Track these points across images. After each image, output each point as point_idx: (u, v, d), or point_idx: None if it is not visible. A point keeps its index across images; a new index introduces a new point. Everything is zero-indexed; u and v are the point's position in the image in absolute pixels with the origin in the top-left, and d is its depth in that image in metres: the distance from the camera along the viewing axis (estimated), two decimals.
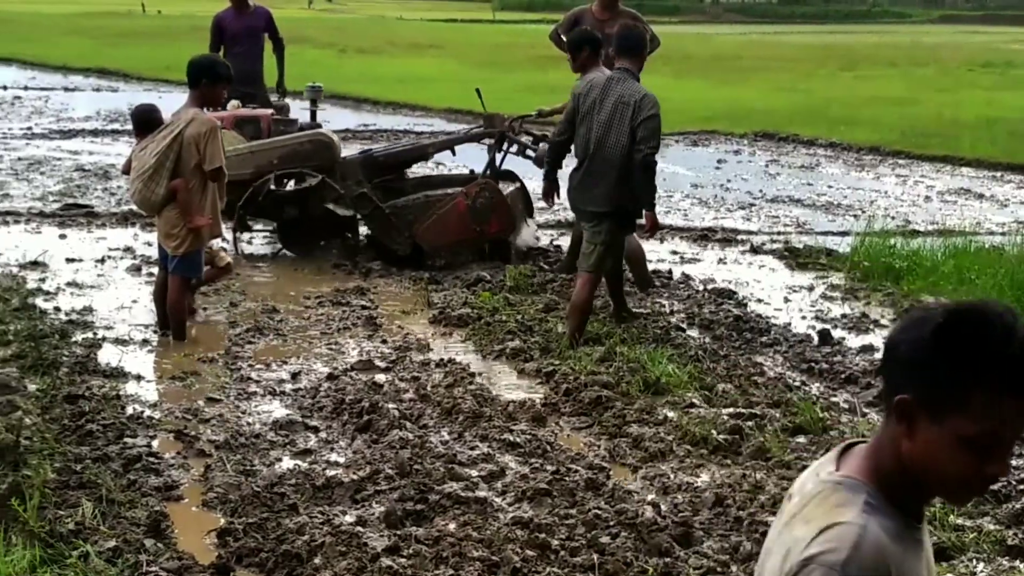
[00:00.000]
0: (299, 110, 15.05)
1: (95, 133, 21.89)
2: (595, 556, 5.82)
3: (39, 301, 10.42)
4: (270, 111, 13.51)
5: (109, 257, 12.23)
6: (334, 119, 20.23)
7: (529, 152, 12.64)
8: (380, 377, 8.51)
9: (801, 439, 7.48)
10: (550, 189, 10.05)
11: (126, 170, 9.92)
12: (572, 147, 9.63)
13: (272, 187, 12.29)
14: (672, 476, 6.90)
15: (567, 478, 6.69)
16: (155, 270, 11.49)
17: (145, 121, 9.76)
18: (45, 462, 6.65)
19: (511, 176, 13.08)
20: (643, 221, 9.28)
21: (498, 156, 12.72)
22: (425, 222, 12.07)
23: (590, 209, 9.37)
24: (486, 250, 12.29)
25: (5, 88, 29.79)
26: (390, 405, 7.78)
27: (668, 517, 6.24)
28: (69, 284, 11.10)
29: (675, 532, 6.07)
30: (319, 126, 13.65)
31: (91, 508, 6.07)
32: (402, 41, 43.29)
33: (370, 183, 12.37)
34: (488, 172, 12.74)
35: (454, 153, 13.96)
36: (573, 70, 10.16)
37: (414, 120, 24.79)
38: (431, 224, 12.07)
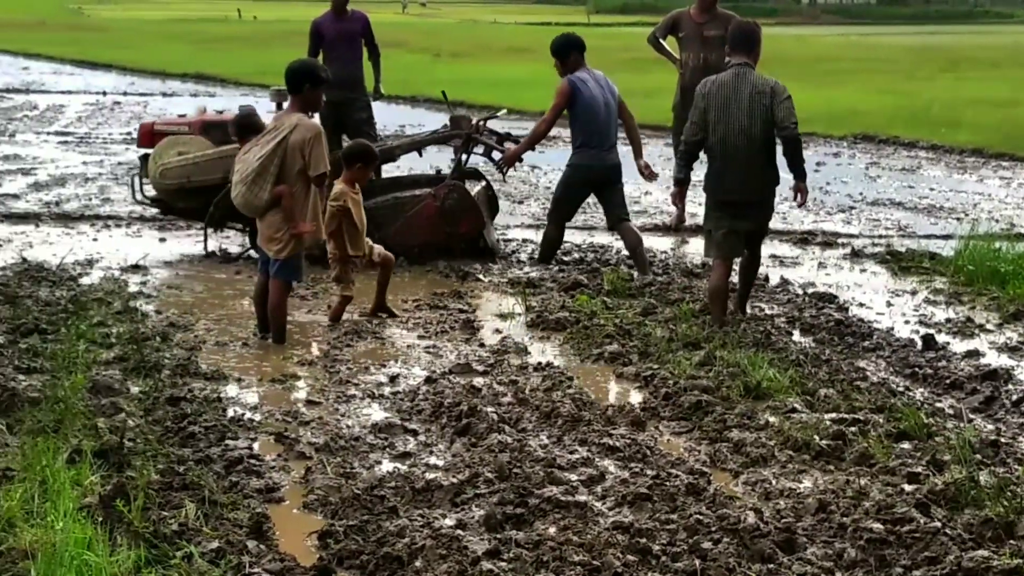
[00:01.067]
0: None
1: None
2: (697, 562, 5.76)
3: (140, 304, 10.54)
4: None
5: (209, 260, 12.35)
6: (428, 123, 20.27)
7: (495, 153, 12.84)
8: (478, 381, 8.49)
9: (906, 445, 7.35)
10: (682, 192, 10.64)
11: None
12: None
13: None
14: (774, 481, 6.82)
15: (667, 483, 6.63)
16: (255, 274, 11.61)
17: (246, 125, 9.83)
18: (148, 463, 6.71)
19: (478, 176, 13.16)
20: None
21: (464, 157, 12.88)
22: (395, 224, 12.16)
23: (748, 199, 9.91)
24: (457, 250, 12.50)
25: (105, 94, 30.25)
26: (489, 409, 7.77)
27: (770, 523, 6.15)
28: (170, 287, 11.23)
29: (778, 538, 5.99)
30: None
31: (194, 509, 6.10)
32: (496, 45, 43.40)
33: None
34: (455, 173, 12.83)
35: (421, 154, 13.97)
36: (561, 75, 12.07)
37: (508, 124, 24.73)
38: (401, 226, 12.18)
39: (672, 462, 7.04)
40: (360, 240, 10.20)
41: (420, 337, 9.80)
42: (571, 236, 13.86)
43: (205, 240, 12.71)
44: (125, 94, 30.29)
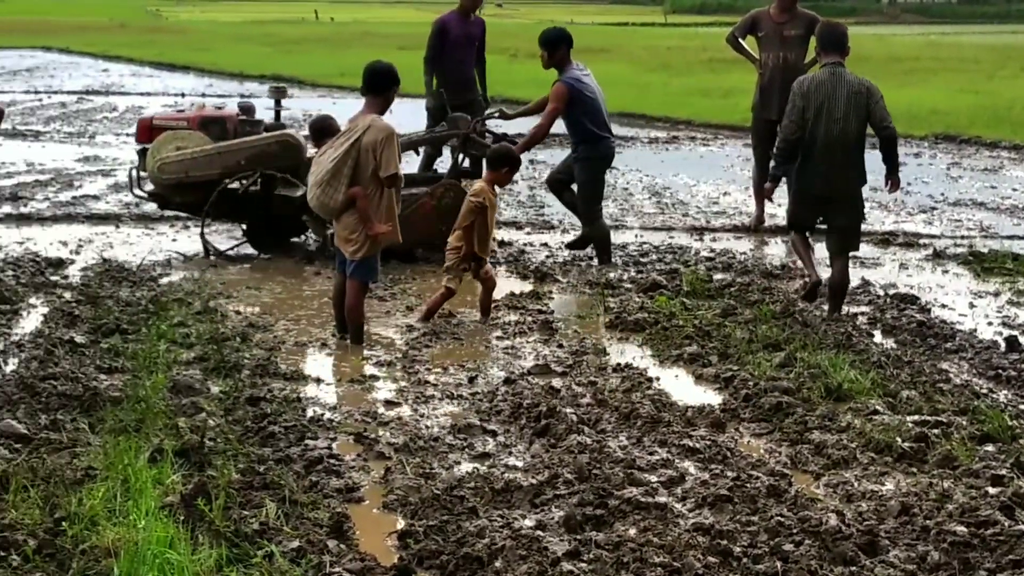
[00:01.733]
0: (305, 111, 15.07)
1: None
2: (778, 564, 5.71)
3: (220, 304, 10.60)
4: (236, 112, 13.59)
5: (288, 260, 12.41)
6: (509, 124, 20.22)
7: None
8: (557, 381, 8.47)
9: (989, 447, 7.25)
10: (774, 187, 10.75)
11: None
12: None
13: (237, 189, 12.55)
14: (856, 484, 6.75)
15: (748, 484, 6.58)
16: (333, 274, 11.66)
17: (322, 129, 9.86)
18: (229, 463, 6.74)
19: (474, 176, 13.03)
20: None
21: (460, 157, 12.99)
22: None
23: (839, 195, 10.21)
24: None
25: (183, 95, 30.48)
26: (568, 410, 7.75)
27: (852, 525, 6.09)
28: (249, 288, 11.28)
29: (860, 541, 5.93)
30: (284, 127, 13.58)
31: (274, 509, 6.12)
32: (574, 45, 43.30)
33: None
34: (452, 172, 12.98)
35: (418, 153, 14.06)
36: (545, 66, 12.72)
37: None
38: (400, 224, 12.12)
39: (752, 464, 6.98)
40: (487, 243, 10.31)
41: (498, 338, 9.79)
42: (649, 237, 13.84)
43: (203, 240, 12.76)
44: (203, 96, 30.48)
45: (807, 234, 10.60)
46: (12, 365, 8.69)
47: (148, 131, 12.99)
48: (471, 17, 14.78)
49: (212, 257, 12.57)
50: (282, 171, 12.44)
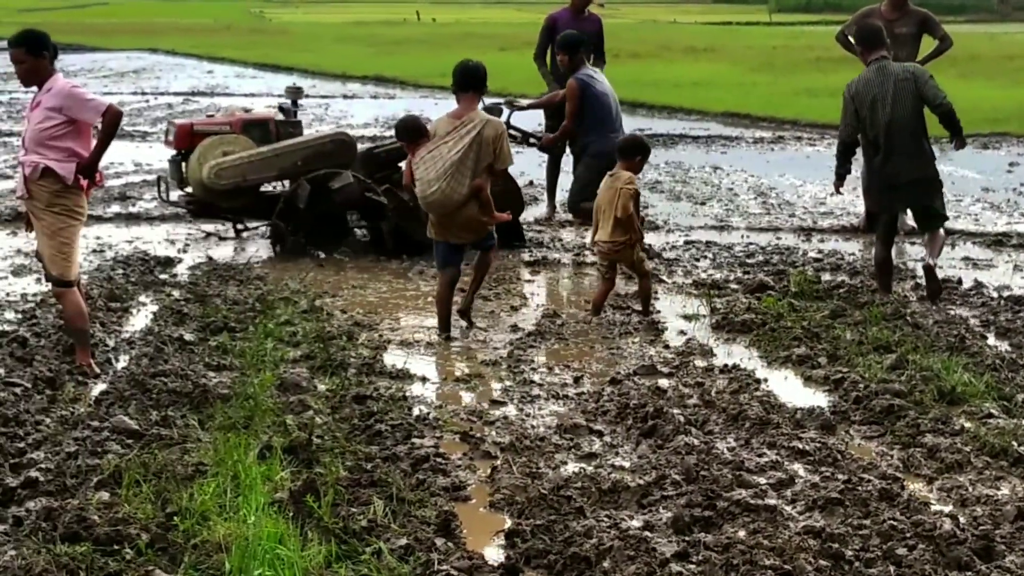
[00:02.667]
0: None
1: (373, 140, 22.36)
2: (891, 568, 5.63)
3: (326, 303, 10.66)
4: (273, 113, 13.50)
5: (393, 260, 12.45)
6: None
7: (532, 140, 13.72)
8: (663, 382, 8.42)
9: None
10: (840, 184, 11.10)
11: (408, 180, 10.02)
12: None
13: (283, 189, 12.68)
14: (970, 488, 6.63)
15: (859, 488, 6.48)
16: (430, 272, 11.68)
17: (416, 128, 9.90)
18: (337, 460, 6.77)
19: None
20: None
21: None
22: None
23: (918, 176, 10.60)
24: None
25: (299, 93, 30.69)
26: (675, 410, 7.69)
27: (967, 530, 5.98)
28: (354, 286, 11.34)
29: (975, 546, 5.82)
30: (299, 124, 13.59)
31: (382, 506, 6.13)
32: (676, 45, 43.13)
33: (371, 178, 12.61)
34: None
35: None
36: (565, 70, 12.92)
37: (690, 124, 24.65)
38: None
39: (864, 467, 6.88)
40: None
41: (604, 338, 9.75)
42: (755, 238, 13.72)
43: (275, 240, 12.77)
44: (307, 96, 30.69)
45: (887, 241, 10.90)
46: (123, 362, 8.82)
47: (188, 137, 12.77)
48: (584, 14, 14.64)
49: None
50: (342, 168, 12.53)
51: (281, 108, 13.61)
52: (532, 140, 13.85)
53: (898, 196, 10.79)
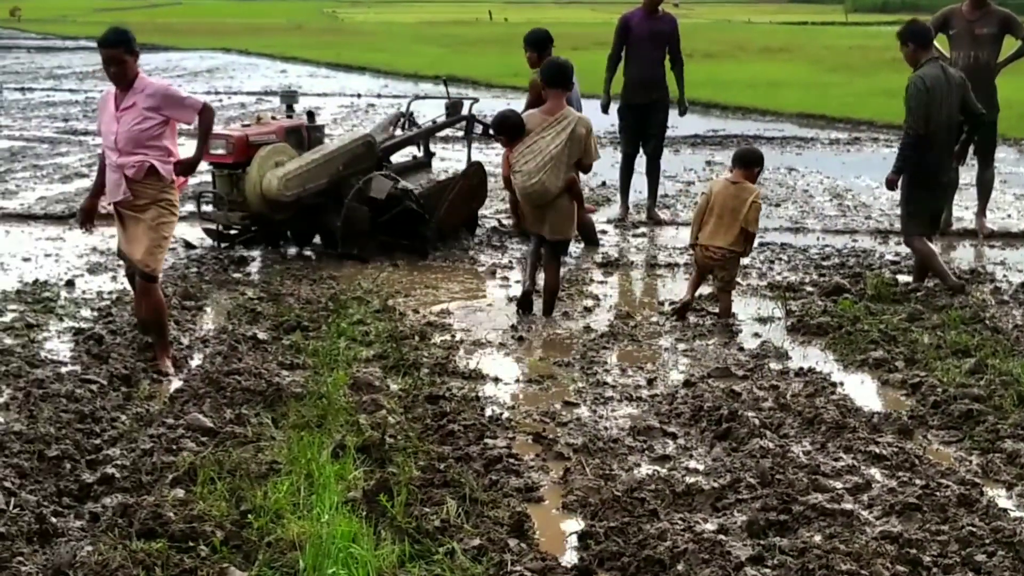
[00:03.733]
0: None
1: (445, 140, 22.38)
2: (970, 574, 5.56)
3: (399, 303, 10.66)
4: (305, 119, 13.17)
5: (463, 260, 12.45)
6: (682, 125, 20.12)
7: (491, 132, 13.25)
8: (738, 385, 8.36)
9: None
10: (897, 179, 11.18)
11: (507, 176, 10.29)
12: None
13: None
14: None
15: (937, 493, 6.40)
16: (508, 275, 11.68)
17: (517, 124, 10.00)
18: (410, 460, 6.76)
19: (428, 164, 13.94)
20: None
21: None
22: (443, 206, 12.80)
23: (951, 179, 11.38)
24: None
25: (359, 96, 30.84)
26: (749, 413, 7.62)
27: None
28: (427, 287, 11.34)
29: None
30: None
31: (455, 506, 6.12)
32: (751, 45, 42.93)
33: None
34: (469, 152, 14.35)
35: (419, 148, 14.09)
36: (533, 67, 12.63)
37: (764, 125, 24.50)
38: (448, 207, 12.88)
39: (942, 472, 6.80)
40: None
41: (678, 340, 9.70)
42: (831, 240, 13.62)
43: (342, 242, 12.48)
44: (379, 96, 30.83)
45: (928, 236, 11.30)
46: (198, 360, 8.86)
47: (246, 148, 12.22)
48: (658, 13, 14.52)
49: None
50: (366, 171, 12.54)
51: (308, 113, 13.50)
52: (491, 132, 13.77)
53: (942, 194, 11.39)
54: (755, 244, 10.83)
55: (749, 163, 10.42)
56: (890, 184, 11.17)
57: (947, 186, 11.36)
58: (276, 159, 12.19)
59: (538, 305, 10.33)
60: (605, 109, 14.83)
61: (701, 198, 10.59)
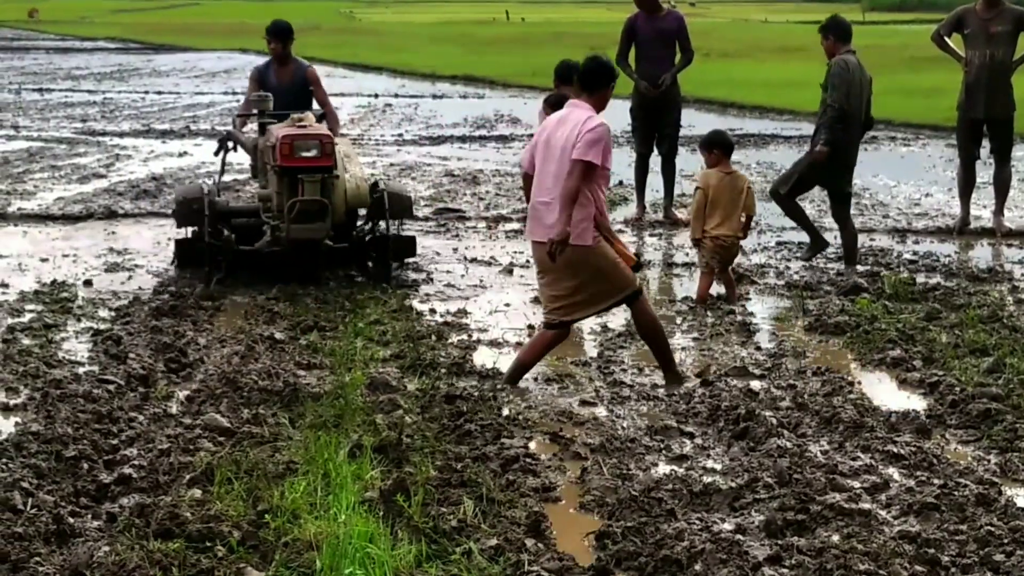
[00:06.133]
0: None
1: (463, 139, 22.45)
2: (989, 574, 5.54)
3: (415, 303, 10.67)
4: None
5: (479, 260, 12.44)
6: (699, 124, 20.11)
7: None
8: (755, 384, 8.34)
9: None
10: (825, 152, 11.71)
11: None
12: None
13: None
14: None
15: (956, 492, 6.38)
16: (525, 272, 11.67)
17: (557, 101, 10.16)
18: (427, 460, 6.76)
19: None
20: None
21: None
22: None
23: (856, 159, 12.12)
24: None
25: (377, 96, 30.87)
26: (767, 413, 7.60)
27: None
28: (445, 286, 11.33)
29: None
30: None
31: (472, 506, 6.11)
32: (768, 44, 42.87)
33: None
34: None
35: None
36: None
37: (781, 124, 24.48)
38: None
39: (960, 471, 6.77)
40: None
41: (695, 339, 9.69)
42: None
43: None
44: (396, 96, 30.86)
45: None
46: (215, 360, 8.86)
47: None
48: (661, 12, 14.53)
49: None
50: None
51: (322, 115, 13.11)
52: None
53: (842, 174, 11.86)
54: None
55: (730, 147, 11.06)
56: (820, 156, 11.62)
57: (851, 168, 11.90)
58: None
59: None
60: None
61: (699, 193, 10.81)
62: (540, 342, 8.73)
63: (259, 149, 11.67)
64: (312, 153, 10.79)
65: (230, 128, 12.36)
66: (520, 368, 8.65)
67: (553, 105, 10.97)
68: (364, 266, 11.59)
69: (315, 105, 12.37)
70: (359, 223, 11.70)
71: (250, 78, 12.86)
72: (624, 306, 8.76)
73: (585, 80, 8.65)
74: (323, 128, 11.26)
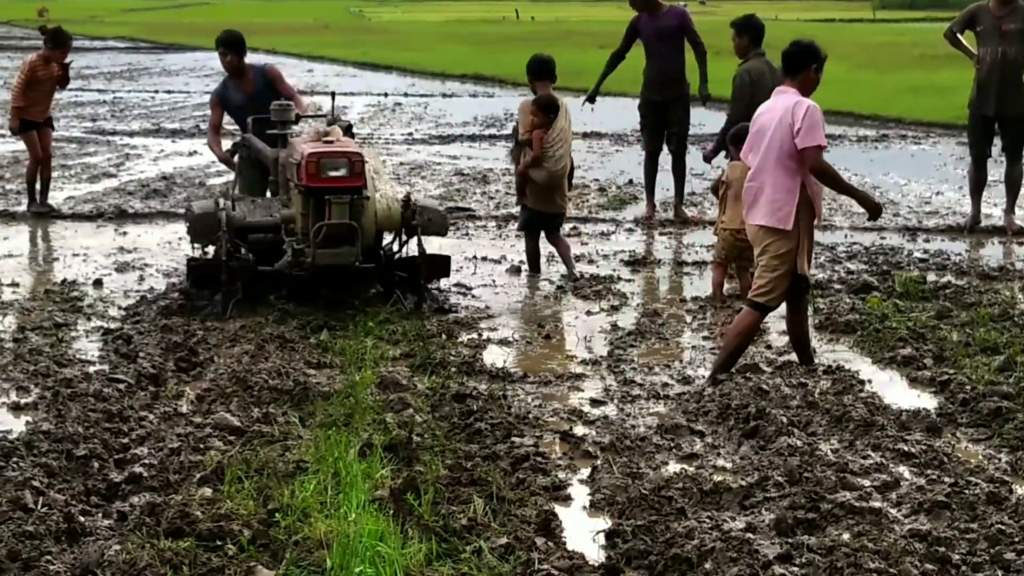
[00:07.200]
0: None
1: (472, 138, 22.44)
2: (999, 573, 5.53)
3: (426, 303, 10.63)
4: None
5: (488, 259, 12.44)
6: (709, 122, 20.07)
7: None
8: (766, 383, 8.32)
9: None
10: (714, 155, 12.78)
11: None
12: None
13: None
14: None
15: (966, 491, 6.37)
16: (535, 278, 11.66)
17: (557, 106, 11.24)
18: (437, 459, 6.76)
19: None
20: None
21: None
22: None
23: None
24: None
25: (387, 95, 30.86)
26: (777, 411, 7.59)
27: None
28: (454, 285, 11.33)
29: None
30: None
31: (482, 505, 6.11)
32: (778, 43, 42.61)
33: None
34: None
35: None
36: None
37: None
38: None
39: (971, 470, 6.77)
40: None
41: (705, 338, 9.68)
42: (859, 237, 13.58)
43: None
44: (406, 95, 30.86)
45: None
46: (225, 359, 8.85)
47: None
48: (661, 10, 14.50)
49: None
50: None
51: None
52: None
53: None
54: None
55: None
56: (707, 159, 12.82)
57: None
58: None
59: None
60: (591, 99, 15.21)
61: (720, 186, 10.87)
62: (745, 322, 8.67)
63: (280, 164, 10.75)
64: (341, 172, 9.92)
65: (247, 134, 11.65)
66: (736, 354, 8.69)
67: (544, 107, 11.11)
68: (391, 288, 10.50)
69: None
70: (386, 242, 10.79)
71: (212, 104, 12.40)
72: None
73: (787, 64, 8.68)
74: (352, 145, 10.28)
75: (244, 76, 12.10)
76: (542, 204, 11.51)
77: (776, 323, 10.03)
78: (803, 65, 8.55)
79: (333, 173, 9.89)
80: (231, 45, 12.05)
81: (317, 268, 10.05)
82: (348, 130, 11.03)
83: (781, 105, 8.39)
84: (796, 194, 8.32)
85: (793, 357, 8.94)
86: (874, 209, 8.65)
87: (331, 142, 10.12)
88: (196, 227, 10.45)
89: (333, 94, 12.77)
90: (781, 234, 8.30)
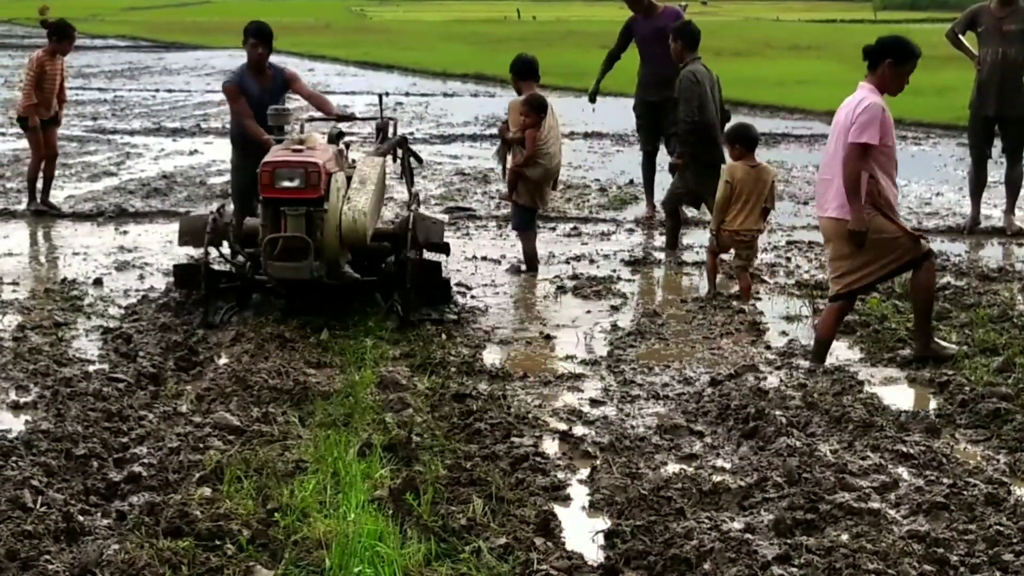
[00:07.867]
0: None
1: (473, 138, 22.42)
2: (998, 574, 5.54)
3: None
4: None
5: (490, 259, 12.44)
6: None
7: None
8: (765, 383, 8.33)
9: None
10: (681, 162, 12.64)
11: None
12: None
13: None
14: None
15: (965, 492, 6.37)
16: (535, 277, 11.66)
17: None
18: (436, 459, 6.77)
19: None
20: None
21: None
22: None
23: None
24: None
25: (387, 94, 30.70)
26: (776, 412, 7.60)
27: None
28: (455, 284, 11.32)
29: None
30: None
31: (481, 505, 6.12)
32: (780, 43, 42.78)
33: None
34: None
35: None
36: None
37: (792, 123, 24.42)
38: None
39: (969, 471, 6.77)
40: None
41: (705, 338, 9.68)
42: None
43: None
44: (407, 94, 30.81)
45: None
46: (225, 359, 8.87)
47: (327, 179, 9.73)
48: (656, 11, 14.51)
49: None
50: None
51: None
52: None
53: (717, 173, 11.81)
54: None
55: (752, 141, 11.04)
56: (674, 168, 12.73)
57: (717, 168, 11.78)
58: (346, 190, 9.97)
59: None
60: (592, 98, 15.69)
61: (724, 186, 10.75)
62: (830, 315, 8.96)
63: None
64: (295, 184, 9.46)
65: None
66: (822, 346, 8.93)
67: (535, 106, 11.20)
68: (388, 299, 10.22)
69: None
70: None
71: (228, 93, 11.93)
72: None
73: (867, 60, 8.86)
74: (316, 155, 9.65)
75: (264, 72, 11.99)
76: (535, 200, 11.79)
77: (776, 323, 10.06)
78: (879, 60, 8.75)
79: (287, 184, 9.47)
80: (263, 37, 12.01)
81: (276, 281, 9.78)
82: (338, 137, 10.71)
83: (851, 100, 8.70)
84: (863, 187, 8.50)
85: (795, 359, 8.95)
86: (857, 237, 8.59)
87: (299, 150, 9.67)
88: (183, 229, 10.37)
89: (381, 95, 12.74)
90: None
